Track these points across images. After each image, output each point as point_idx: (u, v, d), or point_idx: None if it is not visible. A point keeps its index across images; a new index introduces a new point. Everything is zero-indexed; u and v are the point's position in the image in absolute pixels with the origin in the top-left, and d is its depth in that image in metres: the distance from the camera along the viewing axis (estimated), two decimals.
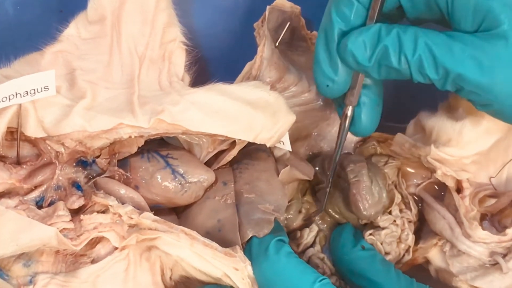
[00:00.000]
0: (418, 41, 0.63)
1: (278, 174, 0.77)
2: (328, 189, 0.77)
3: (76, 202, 0.70)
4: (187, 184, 0.73)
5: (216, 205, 0.74)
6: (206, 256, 0.67)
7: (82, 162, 0.72)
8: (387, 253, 0.79)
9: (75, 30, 0.74)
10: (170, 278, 0.72)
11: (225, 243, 0.70)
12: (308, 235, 0.80)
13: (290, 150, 0.77)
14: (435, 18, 0.68)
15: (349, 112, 0.71)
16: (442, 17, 0.66)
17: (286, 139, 0.76)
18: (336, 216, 0.81)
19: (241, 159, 0.78)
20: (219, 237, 0.71)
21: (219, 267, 0.67)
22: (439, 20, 0.68)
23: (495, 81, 0.61)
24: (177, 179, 0.72)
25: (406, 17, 0.70)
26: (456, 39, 0.62)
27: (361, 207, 0.75)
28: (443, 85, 0.64)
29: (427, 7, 0.66)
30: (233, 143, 0.75)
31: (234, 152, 0.75)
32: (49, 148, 0.70)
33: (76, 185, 0.71)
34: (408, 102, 0.80)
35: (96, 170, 0.73)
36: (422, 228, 0.85)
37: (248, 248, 0.71)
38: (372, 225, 0.80)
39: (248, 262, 0.68)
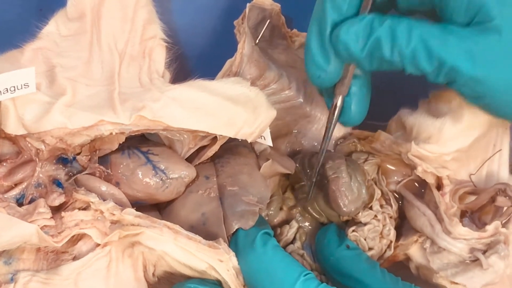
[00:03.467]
0: (412, 32, 0.63)
1: (259, 169, 0.77)
2: (314, 179, 0.78)
3: (57, 199, 0.69)
4: (168, 180, 0.73)
5: (200, 199, 0.74)
6: (190, 249, 0.67)
7: (63, 159, 0.72)
8: (370, 249, 0.79)
9: (54, 27, 0.73)
10: (153, 274, 0.72)
11: (210, 236, 0.70)
12: (288, 232, 0.80)
13: (271, 145, 0.77)
14: (425, 10, 0.68)
15: (339, 102, 0.72)
16: (433, 9, 0.66)
17: (267, 134, 0.76)
18: (316, 215, 0.81)
19: (222, 154, 0.78)
20: (203, 231, 0.72)
21: (203, 259, 0.67)
22: (428, 12, 0.68)
23: (488, 74, 0.62)
24: (158, 175, 0.72)
25: (396, 7, 0.70)
26: (450, 32, 0.63)
27: (341, 204, 0.75)
28: (436, 77, 0.64)
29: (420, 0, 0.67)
30: (214, 139, 0.75)
31: (215, 148, 0.75)
32: (29, 145, 0.70)
33: (57, 182, 0.71)
34: (389, 101, 0.80)
35: (76, 167, 0.72)
36: (403, 225, 0.85)
37: (233, 241, 0.71)
38: (354, 222, 0.81)
39: (232, 253, 0.69)
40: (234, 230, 0.71)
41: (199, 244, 0.68)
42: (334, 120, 0.73)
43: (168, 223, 0.69)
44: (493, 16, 0.61)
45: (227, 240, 0.71)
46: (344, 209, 0.75)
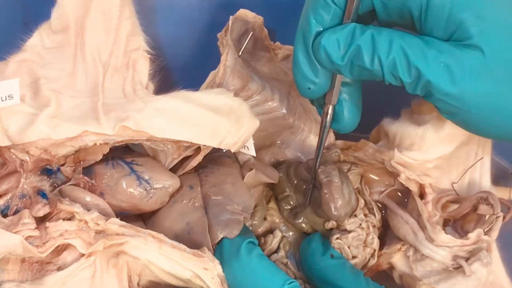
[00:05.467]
0: (393, 43, 0.63)
1: (243, 178, 0.77)
2: (311, 185, 0.78)
3: (41, 210, 0.69)
4: (152, 190, 0.73)
5: (184, 209, 0.74)
6: (175, 258, 0.68)
7: (47, 171, 0.72)
8: (354, 257, 0.80)
9: (38, 40, 0.74)
10: (138, 284, 0.72)
11: (195, 245, 0.70)
12: (272, 241, 0.80)
13: (254, 155, 0.77)
14: (405, 25, 0.68)
15: (329, 111, 0.72)
16: (413, 24, 0.66)
17: (251, 144, 0.76)
18: (302, 225, 0.82)
19: (206, 164, 0.78)
20: (188, 240, 0.72)
21: (188, 268, 0.68)
22: (408, 26, 0.68)
23: (464, 91, 0.62)
24: (142, 185, 0.72)
25: (377, 20, 0.70)
26: (431, 44, 0.63)
27: (332, 207, 0.75)
28: (414, 89, 0.64)
29: (399, 14, 0.66)
30: (198, 149, 0.75)
31: (199, 158, 0.75)
32: (13, 156, 0.70)
33: (41, 193, 0.71)
34: (372, 113, 0.81)
35: (61, 178, 0.72)
36: (386, 234, 0.85)
37: (218, 250, 0.72)
38: (338, 230, 0.81)
39: (216, 261, 0.69)
40: (219, 239, 0.72)
41: (183, 252, 0.68)
42: (326, 128, 0.73)
43: (153, 232, 0.69)
44: (472, 33, 0.62)
45: (212, 249, 0.71)
46: (335, 212, 0.75)
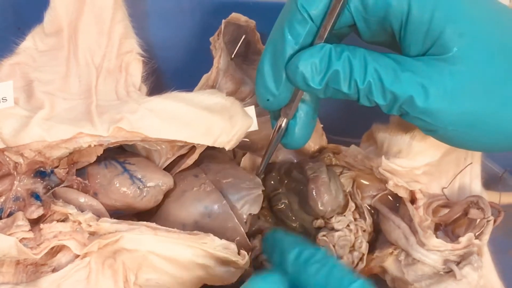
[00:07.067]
0: (367, 66, 0.63)
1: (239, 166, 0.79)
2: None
3: (35, 212, 0.69)
4: (146, 189, 0.73)
5: (197, 195, 0.74)
6: (172, 239, 0.68)
7: (41, 173, 0.72)
8: (339, 257, 0.79)
9: (32, 43, 0.74)
10: (135, 283, 0.71)
11: (219, 228, 0.72)
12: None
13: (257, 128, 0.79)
14: (387, 41, 0.68)
15: (283, 124, 0.72)
16: (393, 39, 0.67)
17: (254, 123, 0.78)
18: (289, 221, 0.81)
19: (202, 160, 0.78)
20: (210, 223, 0.73)
21: (187, 244, 0.68)
22: (389, 43, 0.68)
23: (439, 109, 0.62)
24: (135, 184, 0.72)
25: (360, 37, 0.70)
26: (404, 66, 0.63)
27: (319, 202, 0.76)
28: (390, 110, 0.65)
29: (381, 28, 0.66)
30: (193, 148, 0.75)
31: (195, 156, 0.75)
32: (7, 159, 0.70)
33: (35, 195, 0.71)
34: (364, 118, 0.81)
35: (54, 180, 0.73)
36: (378, 238, 0.85)
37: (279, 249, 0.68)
38: (326, 229, 0.80)
39: (216, 237, 0.69)
40: (245, 216, 0.73)
41: (179, 233, 0.68)
42: (276, 141, 0.74)
43: (145, 222, 0.70)
44: (450, 49, 0.62)
45: (245, 224, 0.73)
46: (321, 207, 0.76)
